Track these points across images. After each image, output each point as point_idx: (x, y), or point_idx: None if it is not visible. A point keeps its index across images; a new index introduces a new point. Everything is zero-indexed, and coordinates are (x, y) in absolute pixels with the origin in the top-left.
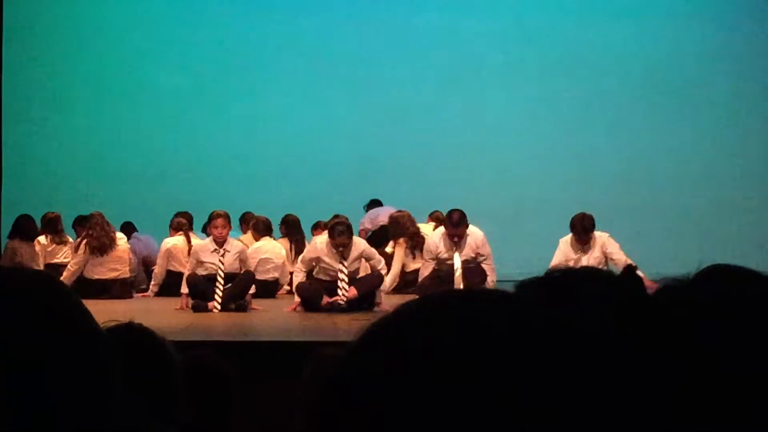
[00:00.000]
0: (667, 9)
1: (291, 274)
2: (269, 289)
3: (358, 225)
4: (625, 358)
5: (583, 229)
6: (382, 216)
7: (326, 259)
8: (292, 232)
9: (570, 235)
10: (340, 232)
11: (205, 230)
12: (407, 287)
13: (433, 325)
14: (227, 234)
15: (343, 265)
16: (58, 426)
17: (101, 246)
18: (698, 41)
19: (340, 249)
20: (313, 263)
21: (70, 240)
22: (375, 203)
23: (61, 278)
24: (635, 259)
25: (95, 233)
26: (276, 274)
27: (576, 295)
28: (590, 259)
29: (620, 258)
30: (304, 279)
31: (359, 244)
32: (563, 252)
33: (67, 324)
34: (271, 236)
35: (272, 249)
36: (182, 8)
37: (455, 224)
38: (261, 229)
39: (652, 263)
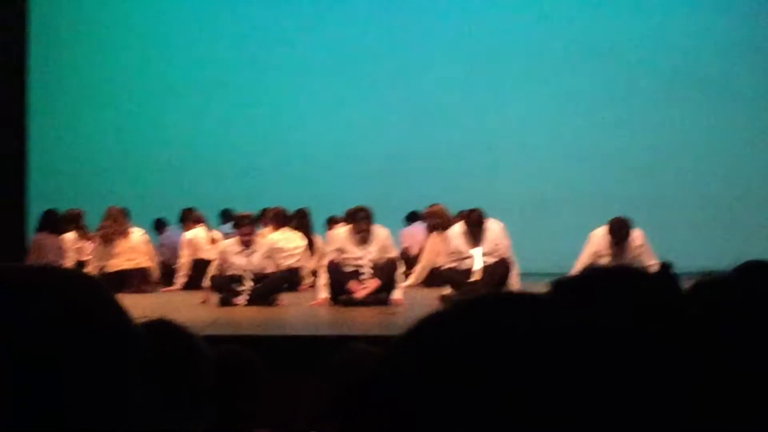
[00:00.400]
0: (692, 1)
1: (313, 273)
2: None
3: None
4: (655, 358)
5: (621, 237)
6: (407, 238)
7: (348, 247)
8: (302, 224)
9: (604, 229)
10: (361, 218)
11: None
12: (434, 283)
13: (466, 330)
14: (254, 238)
15: (365, 250)
16: (72, 424)
17: (107, 235)
18: (724, 33)
19: (361, 234)
20: (337, 254)
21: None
22: (413, 216)
23: None
24: (660, 253)
25: (107, 223)
26: (291, 262)
27: (611, 294)
28: (624, 259)
29: (652, 264)
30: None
31: (380, 231)
32: (594, 247)
33: (93, 321)
34: (289, 227)
35: (286, 239)
36: (205, 4)
37: (475, 224)
38: (279, 220)
39: (677, 257)
